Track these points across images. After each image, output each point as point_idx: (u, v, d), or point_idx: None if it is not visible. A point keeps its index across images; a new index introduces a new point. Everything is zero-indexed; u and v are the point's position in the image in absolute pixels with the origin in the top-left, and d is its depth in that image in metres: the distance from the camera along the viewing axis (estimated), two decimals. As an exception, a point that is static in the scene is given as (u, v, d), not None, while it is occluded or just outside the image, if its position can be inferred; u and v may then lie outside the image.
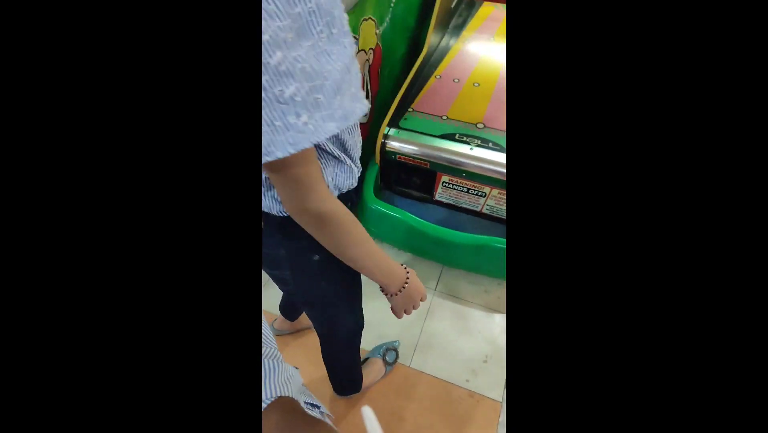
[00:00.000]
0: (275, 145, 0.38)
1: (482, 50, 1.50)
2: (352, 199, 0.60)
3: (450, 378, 1.17)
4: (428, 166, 1.24)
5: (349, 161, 0.53)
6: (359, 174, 0.58)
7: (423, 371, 1.19)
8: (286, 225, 0.53)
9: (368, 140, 1.42)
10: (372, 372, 1.15)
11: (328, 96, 0.39)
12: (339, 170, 0.53)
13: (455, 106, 1.30)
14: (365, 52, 1.22)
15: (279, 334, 1.25)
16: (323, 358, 0.95)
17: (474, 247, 1.25)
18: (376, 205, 1.31)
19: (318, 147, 0.48)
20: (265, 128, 0.37)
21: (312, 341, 1.26)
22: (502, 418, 1.10)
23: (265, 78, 0.34)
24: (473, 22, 1.65)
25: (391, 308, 0.64)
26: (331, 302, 0.72)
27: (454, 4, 1.64)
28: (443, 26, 1.55)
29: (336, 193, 0.55)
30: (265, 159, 0.38)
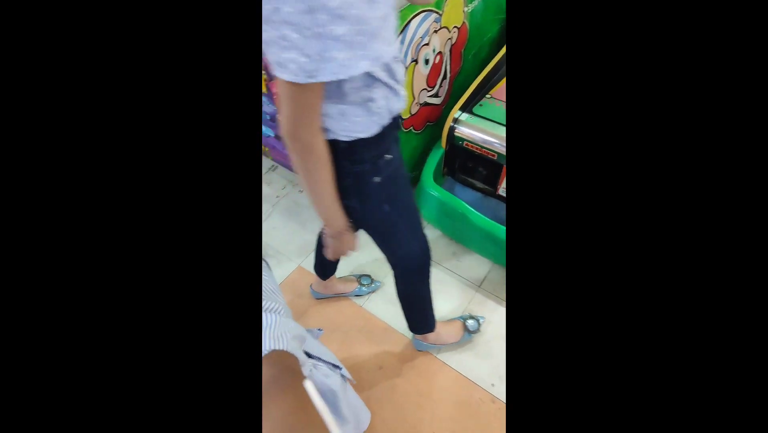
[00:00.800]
0: (319, 72, 0.46)
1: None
2: (397, 121, 0.68)
3: (475, 379, 1.14)
4: (495, 158, 1.17)
5: (398, 87, 0.62)
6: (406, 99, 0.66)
7: (449, 365, 1.17)
8: (354, 150, 0.62)
9: (438, 122, 1.38)
10: (451, 330, 1.18)
11: (367, 39, 0.47)
12: (391, 95, 0.61)
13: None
14: (448, 29, 1.17)
15: (320, 297, 1.32)
16: (398, 293, 1.00)
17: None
18: (434, 191, 1.28)
19: (373, 76, 0.55)
20: (311, 56, 0.45)
21: (349, 309, 1.31)
22: (522, 432, 1.05)
23: (322, 16, 0.42)
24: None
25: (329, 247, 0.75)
26: (394, 224, 0.78)
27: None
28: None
29: (388, 116, 0.63)
30: (307, 80, 0.47)
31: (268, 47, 0.46)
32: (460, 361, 1.18)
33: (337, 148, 0.62)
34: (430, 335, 1.12)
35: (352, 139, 0.61)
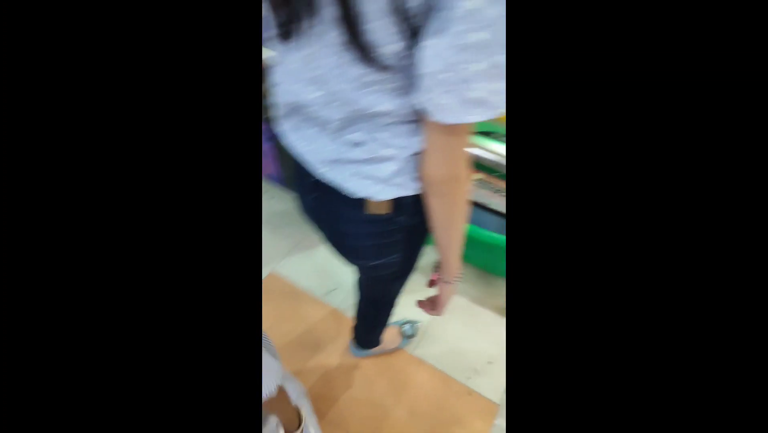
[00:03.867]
0: (492, 103, 0.40)
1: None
2: None
3: (451, 372, 1.16)
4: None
5: None
6: None
7: (424, 360, 1.19)
8: (414, 203, 0.55)
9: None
10: (388, 337, 1.17)
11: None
12: None
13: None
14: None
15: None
16: (364, 318, 1.01)
17: (499, 248, 1.24)
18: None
19: None
20: (502, 84, 0.39)
21: (322, 310, 1.30)
22: (499, 421, 1.07)
23: (495, 48, 0.37)
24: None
25: (436, 298, 0.67)
26: (413, 265, 0.74)
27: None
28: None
29: None
30: (495, 113, 0.40)
31: (467, 85, 0.38)
32: (436, 355, 1.20)
33: (404, 204, 0.54)
34: None
35: (416, 194, 0.53)
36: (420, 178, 0.51)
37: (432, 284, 0.67)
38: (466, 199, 0.52)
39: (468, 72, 0.37)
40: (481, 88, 0.38)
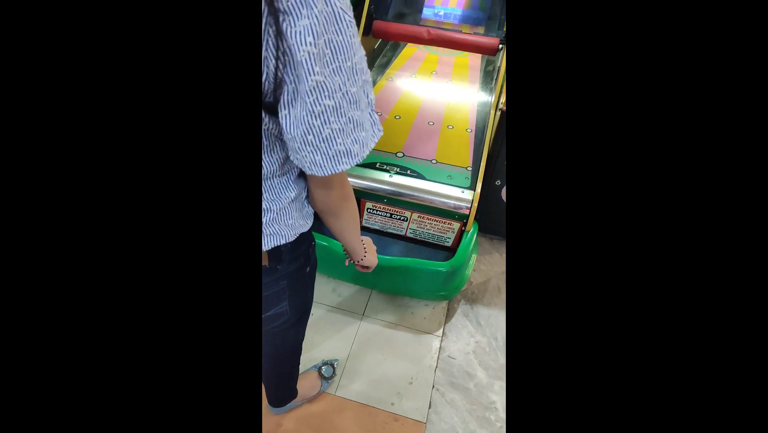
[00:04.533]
0: (368, 140, 0.47)
1: (404, 86, 1.61)
2: None
3: (376, 403, 1.17)
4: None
5: None
6: None
7: (348, 398, 1.18)
8: (292, 250, 0.60)
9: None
10: (307, 384, 1.13)
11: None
12: None
13: (377, 136, 1.37)
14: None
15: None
16: (269, 375, 0.97)
17: (399, 269, 1.29)
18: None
19: None
20: (368, 129, 0.47)
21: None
22: (427, 439, 1.10)
23: (367, 87, 0.45)
24: (397, 61, 1.77)
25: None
26: (308, 309, 0.79)
27: (377, 45, 1.76)
28: (369, 65, 1.65)
29: None
30: (364, 154, 0.47)
31: (329, 143, 0.44)
32: (359, 390, 1.20)
33: (275, 255, 0.58)
34: None
35: (298, 235, 0.58)
36: (313, 205, 0.59)
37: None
38: (355, 210, 0.62)
39: (326, 132, 0.42)
40: (342, 142, 0.45)
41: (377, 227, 1.38)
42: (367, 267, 0.79)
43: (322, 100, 0.40)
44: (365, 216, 1.36)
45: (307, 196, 0.58)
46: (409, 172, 1.27)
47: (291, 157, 0.47)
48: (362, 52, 0.43)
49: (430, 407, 1.17)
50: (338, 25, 0.38)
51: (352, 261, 0.78)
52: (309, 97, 0.40)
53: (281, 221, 0.55)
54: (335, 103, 0.41)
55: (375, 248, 0.80)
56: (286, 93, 0.40)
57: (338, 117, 0.42)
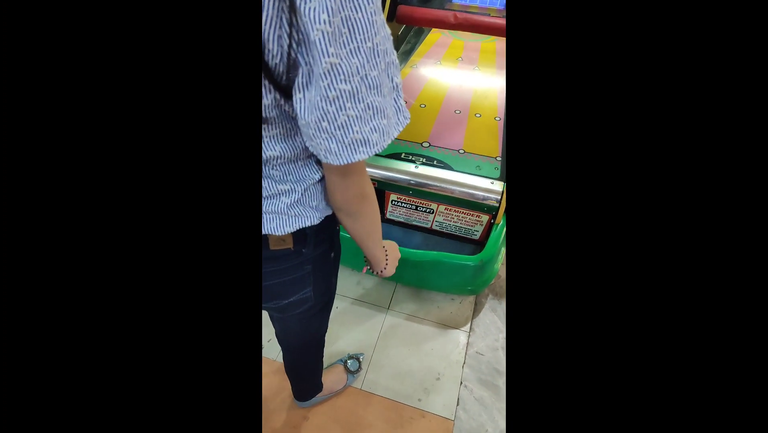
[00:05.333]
0: (389, 129, 0.43)
1: (429, 74, 1.56)
2: None
3: (402, 399, 1.15)
4: (376, 186, 1.25)
5: None
6: None
7: (374, 393, 1.16)
8: (317, 233, 0.57)
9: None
10: (334, 377, 1.13)
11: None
12: None
13: (402, 126, 1.33)
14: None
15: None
16: (294, 368, 0.95)
17: (425, 263, 1.26)
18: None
19: None
20: (390, 117, 0.43)
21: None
22: (455, 437, 1.08)
23: (392, 69, 0.41)
24: (421, 48, 1.72)
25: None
26: (332, 297, 0.76)
27: (400, 31, 1.71)
28: (392, 51, 1.61)
29: None
30: (385, 143, 0.43)
31: (345, 130, 0.40)
32: (385, 384, 1.18)
33: (300, 238, 0.56)
34: None
35: (317, 223, 0.56)
36: (329, 202, 0.54)
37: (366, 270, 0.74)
38: (375, 212, 0.56)
39: (342, 119, 0.39)
40: (359, 130, 0.40)
41: (402, 219, 1.35)
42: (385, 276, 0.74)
43: (337, 84, 0.37)
44: (389, 208, 1.33)
45: None
46: (435, 162, 1.23)
47: (306, 144, 0.44)
48: (386, 31, 0.39)
49: (458, 404, 1.14)
50: (357, 1, 0.35)
51: (370, 270, 0.71)
52: (323, 81, 0.36)
53: (305, 203, 0.52)
54: (352, 87, 0.37)
55: (398, 255, 0.74)
56: (301, 75, 0.37)
57: (355, 103, 0.38)
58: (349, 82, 0.37)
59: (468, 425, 1.10)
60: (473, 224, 1.27)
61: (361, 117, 0.40)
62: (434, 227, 1.34)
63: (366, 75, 0.38)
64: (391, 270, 0.71)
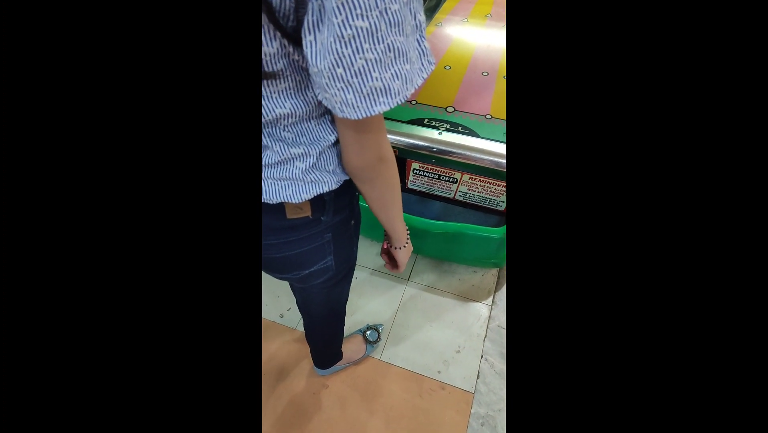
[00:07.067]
0: (413, 75, 0.38)
1: (455, 32, 1.45)
2: None
3: (422, 370, 1.15)
4: (397, 154, 1.20)
5: None
6: None
7: (394, 364, 1.16)
8: (336, 200, 0.54)
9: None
10: (353, 347, 1.13)
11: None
12: None
13: (425, 89, 1.26)
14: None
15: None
16: (314, 336, 0.95)
17: (447, 235, 1.22)
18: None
19: None
20: (405, 65, 0.37)
21: (284, 334, 1.22)
22: (474, 409, 1.07)
23: (414, 3, 0.35)
24: (447, 5, 1.60)
25: (395, 262, 0.68)
26: (352, 266, 0.73)
27: (425, -15, 1.59)
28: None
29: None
30: (409, 91, 0.38)
31: (363, 77, 0.35)
32: (404, 355, 1.17)
33: (318, 205, 0.52)
34: None
35: (341, 183, 0.51)
36: (344, 167, 0.49)
37: (384, 251, 0.70)
38: (394, 178, 0.51)
39: (360, 63, 0.34)
40: (379, 77, 0.35)
41: (424, 189, 1.30)
42: (397, 268, 0.69)
43: (352, 20, 0.31)
44: (410, 178, 1.28)
45: None
46: (460, 128, 1.16)
47: (319, 97, 0.39)
48: None
49: (478, 377, 1.13)
50: None
51: (388, 247, 0.67)
52: (337, 17, 0.31)
53: (322, 167, 0.48)
54: (370, 24, 0.32)
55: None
56: (310, 13, 0.33)
57: (374, 43, 0.33)
58: (367, 17, 0.32)
59: (488, 398, 1.09)
60: (499, 194, 1.21)
61: (380, 60, 0.34)
62: (457, 197, 1.28)
63: (386, 9, 0.32)
64: (410, 249, 0.67)
